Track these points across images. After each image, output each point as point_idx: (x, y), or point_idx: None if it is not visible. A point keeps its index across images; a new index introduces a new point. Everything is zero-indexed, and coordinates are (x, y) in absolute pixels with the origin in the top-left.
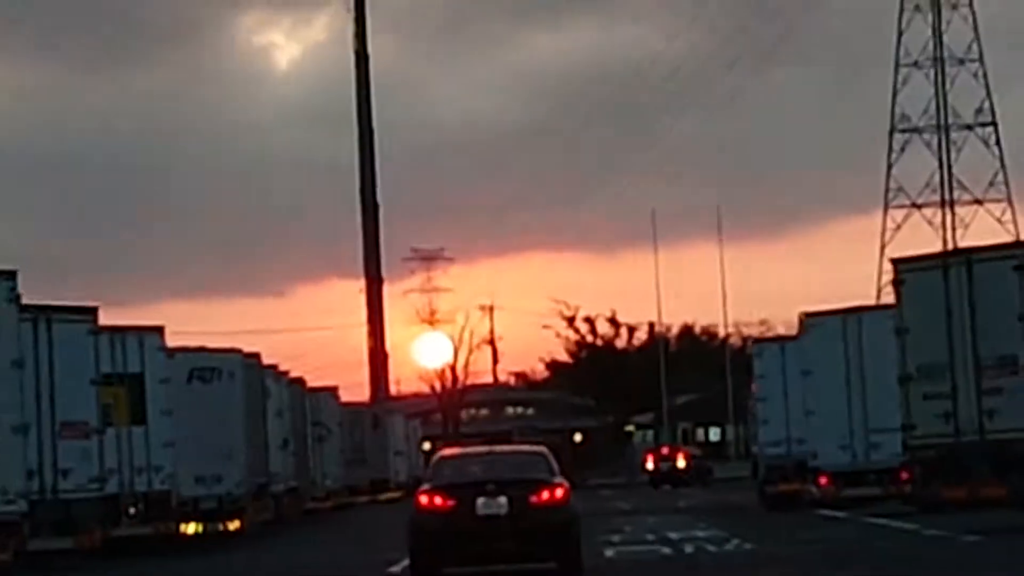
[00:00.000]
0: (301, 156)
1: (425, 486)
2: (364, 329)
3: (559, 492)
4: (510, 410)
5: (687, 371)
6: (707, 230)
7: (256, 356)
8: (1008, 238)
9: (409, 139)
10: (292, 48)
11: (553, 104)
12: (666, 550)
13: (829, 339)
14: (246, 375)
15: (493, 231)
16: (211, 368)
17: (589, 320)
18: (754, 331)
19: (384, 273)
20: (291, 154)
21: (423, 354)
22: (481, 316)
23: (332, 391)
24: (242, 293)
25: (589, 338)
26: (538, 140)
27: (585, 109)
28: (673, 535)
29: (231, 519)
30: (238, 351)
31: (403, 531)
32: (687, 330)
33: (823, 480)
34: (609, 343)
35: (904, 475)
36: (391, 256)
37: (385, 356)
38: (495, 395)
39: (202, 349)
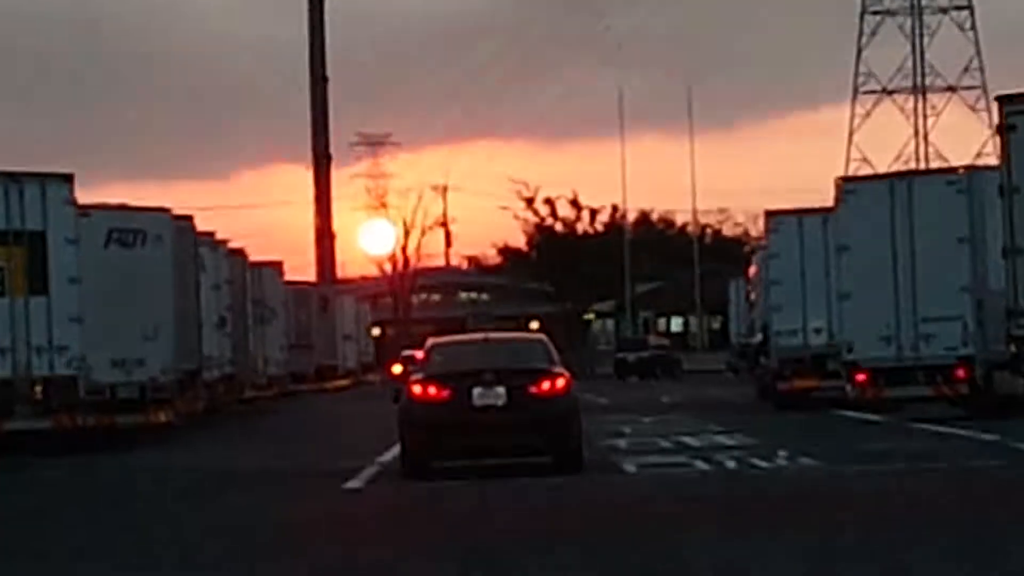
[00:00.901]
0: (250, 36)
1: (418, 375)
2: (311, 210)
3: (560, 382)
4: (463, 295)
5: (645, 259)
6: (665, 118)
7: (189, 219)
8: (982, 127)
9: (358, 23)
10: None
11: None
12: (701, 464)
13: (872, 208)
14: (177, 240)
15: (443, 118)
16: (134, 230)
17: (549, 202)
18: (712, 220)
19: (332, 154)
20: (240, 34)
21: (371, 240)
22: (434, 197)
23: (276, 266)
24: (185, 175)
25: (549, 221)
26: (492, 25)
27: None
28: (691, 441)
29: (155, 410)
30: (167, 211)
31: (360, 425)
32: (644, 217)
33: (860, 377)
34: (570, 226)
35: (961, 373)
36: (338, 142)
37: (332, 236)
38: (448, 279)
39: (123, 207)
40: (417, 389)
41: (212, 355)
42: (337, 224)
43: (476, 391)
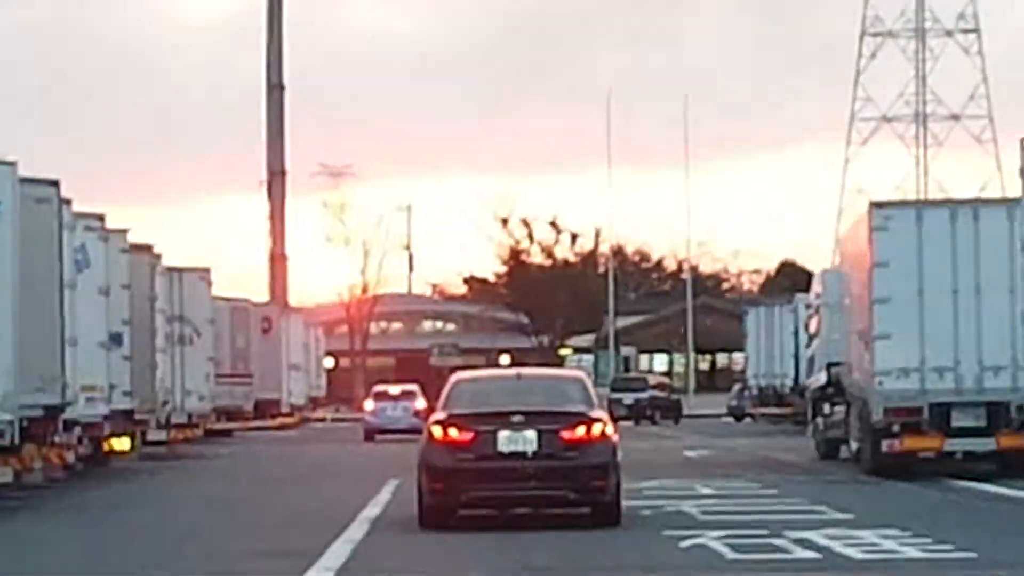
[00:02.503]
0: (211, 69)
1: (439, 415)
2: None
3: (597, 428)
4: (428, 325)
5: (624, 293)
6: (640, 152)
7: (54, 185)
8: (987, 158)
9: (319, 55)
10: None
11: (474, 24)
12: None
13: None
14: (25, 212)
15: (406, 150)
16: None
17: (526, 223)
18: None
19: (290, 192)
20: (201, 66)
21: (329, 270)
22: (397, 218)
23: (202, 274)
24: (140, 202)
25: (525, 244)
26: (462, 56)
27: (503, 30)
28: (835, 546)
29: None
30: (11, 164)
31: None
32: (619, 251)
33: None
34: (548, 251)
35: None
36: (298, 175)
37: (285, 257)
38: (410, 308)
39: None
40: (437, 431)
41: (95, 384)
42: (294, 254)
43: (503, 435)
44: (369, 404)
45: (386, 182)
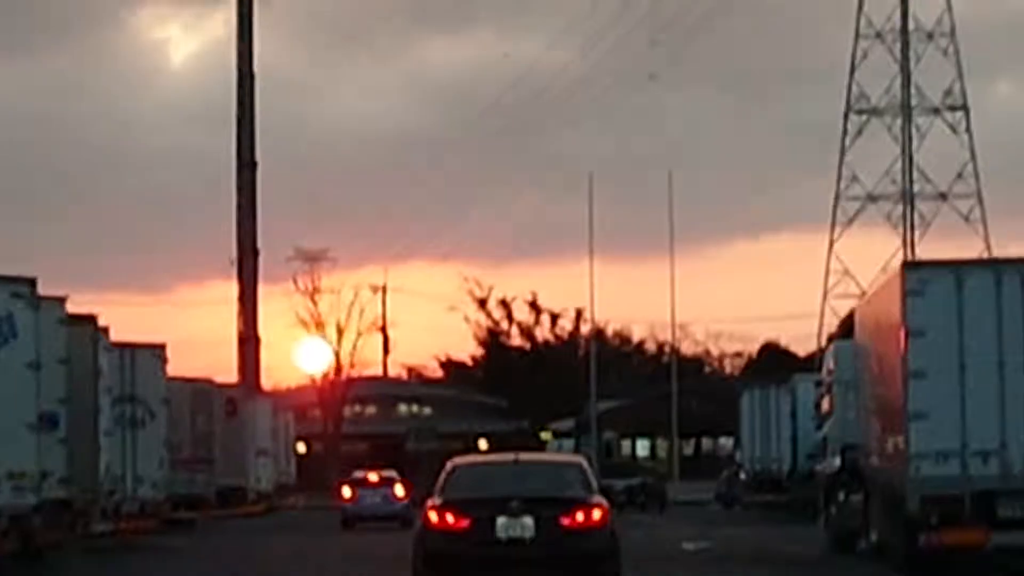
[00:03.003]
0: (187, 154)
1: (436, 500)
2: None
3: (596, 513)
4: (403, 408)
5: (602, 376)
6: (617, 238)
7: None
8: (976, 238)
9: (294, 143)
10: (185, 43)
11: (453, 105)
12: None
13: None
14: None
15: (382, 238)
16: None
17: (505, 303)
18: (668, 336)
19: (264, 275)
20: (175, 152)
21: (304, 357)
22: (372, 299)
23: (157, 350)
24: (116, 290)
25: (504, 325)
26: (435, 141)
27: (482, 117)
28: None
29: None
30: None
31: None
32: (598, 333)
33: None
34: (527, 332)
35: None
36: (273, 259)
37: (257, 339)
38: (385, 391)
39: None
40: (434, 517)
41: (23, 470)
42: (267, 337)
43: (500, 521)
44: (347, 491)
45: (363, 264)
